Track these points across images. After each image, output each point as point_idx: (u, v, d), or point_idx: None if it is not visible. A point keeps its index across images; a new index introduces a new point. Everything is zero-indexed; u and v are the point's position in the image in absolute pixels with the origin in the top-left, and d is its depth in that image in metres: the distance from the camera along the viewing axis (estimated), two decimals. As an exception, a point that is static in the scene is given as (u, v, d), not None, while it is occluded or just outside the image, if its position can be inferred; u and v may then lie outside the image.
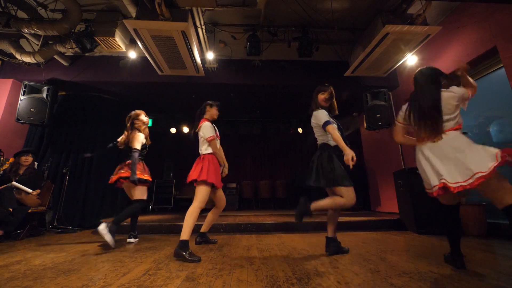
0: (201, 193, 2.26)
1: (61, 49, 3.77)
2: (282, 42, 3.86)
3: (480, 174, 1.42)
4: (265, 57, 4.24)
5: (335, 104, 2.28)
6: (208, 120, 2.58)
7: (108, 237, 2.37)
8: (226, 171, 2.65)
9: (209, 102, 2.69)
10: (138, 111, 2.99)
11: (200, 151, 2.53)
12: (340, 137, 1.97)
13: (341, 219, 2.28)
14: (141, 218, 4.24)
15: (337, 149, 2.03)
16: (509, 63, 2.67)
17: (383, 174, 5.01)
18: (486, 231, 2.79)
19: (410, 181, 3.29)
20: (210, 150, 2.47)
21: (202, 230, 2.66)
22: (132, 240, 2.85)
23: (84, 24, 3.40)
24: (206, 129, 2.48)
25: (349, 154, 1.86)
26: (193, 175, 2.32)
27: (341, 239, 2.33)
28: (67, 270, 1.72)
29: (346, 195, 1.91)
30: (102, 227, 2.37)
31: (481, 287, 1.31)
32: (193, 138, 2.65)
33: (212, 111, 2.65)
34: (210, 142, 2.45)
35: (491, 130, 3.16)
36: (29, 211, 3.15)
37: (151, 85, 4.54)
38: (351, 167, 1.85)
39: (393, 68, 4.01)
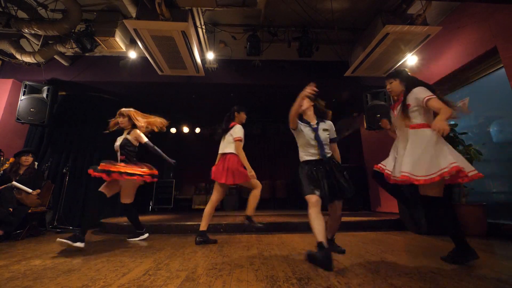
0: (255, 181, 2.64)
1: (61, 49, 3.77)
2: (282, 42, 3.86)
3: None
4: (265, 57, 4.23)
5: (322, 104, 2.32)
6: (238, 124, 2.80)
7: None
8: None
9: (236, 107, 2.86)
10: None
11: (222, 150, 2.73)
12: (292, 111, 2.20)
13: (341, 219, 2.27)
14: (141, 218, 4.23)
15: (307, 163, 2.23)
16: (509, 63, 2.67)
17: (383, 174, 4.99)
18: (486, 231, 2.79)
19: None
20: (232, 150, 2.66)
21: (201, 228, 2.65)
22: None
23: (84, 24, 3.40)
24: (239, 130, 2.69)
25: (299, 98, 2.11)
26: (241, 178, 2.58)
27: (341, 239, 2.34)
28: (67, 270, 1.72)
29: (308, 201, 1.89)
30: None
31: (481, 287, 1.31)
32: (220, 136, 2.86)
33: (241, 116, 2.86)
34: (236, 141, 2.65)
35: (491, 130, 3.16)
36: (29, 211, 3.15)
37: (151, 85, 4.54)
38: (310, 93, 2.07)
39: (393, 68, 4.01)
